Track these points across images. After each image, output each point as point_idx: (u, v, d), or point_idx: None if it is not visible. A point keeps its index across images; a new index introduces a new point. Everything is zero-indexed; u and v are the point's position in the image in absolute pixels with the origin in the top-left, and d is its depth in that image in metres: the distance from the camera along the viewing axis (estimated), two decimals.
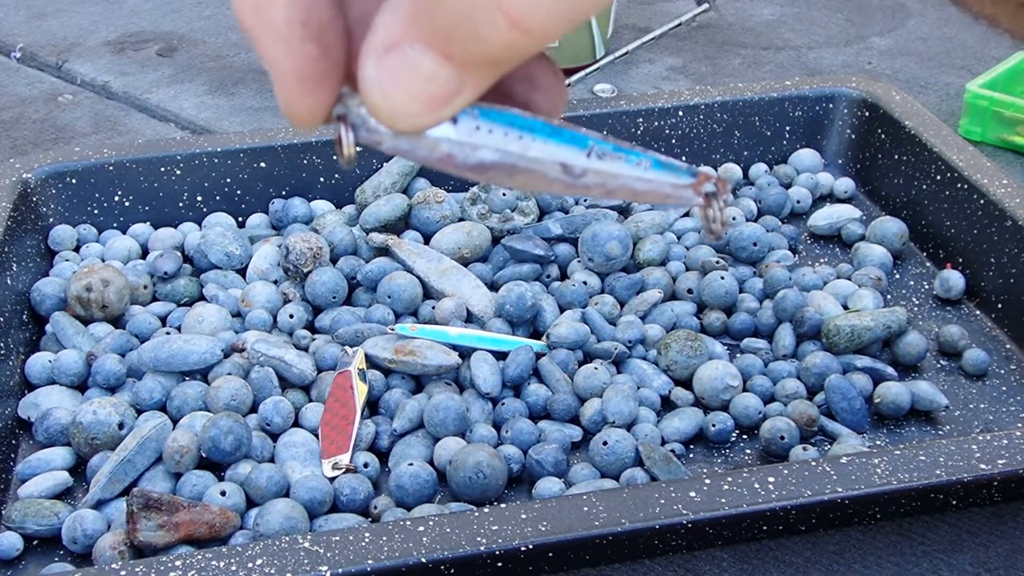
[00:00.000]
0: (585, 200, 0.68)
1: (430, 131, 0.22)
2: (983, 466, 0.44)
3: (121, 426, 0.52)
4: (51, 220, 0.66)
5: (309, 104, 0.22)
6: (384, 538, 0.41)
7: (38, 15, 1.06)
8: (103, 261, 0.64)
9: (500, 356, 0.56)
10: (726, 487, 0.43)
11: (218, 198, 0.69)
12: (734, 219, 0.68)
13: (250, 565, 0.39)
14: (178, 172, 0.68)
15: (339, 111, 0.23)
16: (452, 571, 0.40)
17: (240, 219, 0.68)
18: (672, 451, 0.52)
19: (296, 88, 0.22)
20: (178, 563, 0.40)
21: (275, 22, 0.21)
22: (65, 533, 0.47)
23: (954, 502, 0.44)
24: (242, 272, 0.64)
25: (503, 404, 0.54)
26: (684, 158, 0.74)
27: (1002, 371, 0.58)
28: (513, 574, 0.41)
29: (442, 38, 0.20)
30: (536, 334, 0.59)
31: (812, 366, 0.55)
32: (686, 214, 0.69)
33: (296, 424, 0.54)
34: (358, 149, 0.23)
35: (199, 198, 0.68)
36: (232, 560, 0.40)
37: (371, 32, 0.21)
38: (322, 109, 0.23)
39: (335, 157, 0.67)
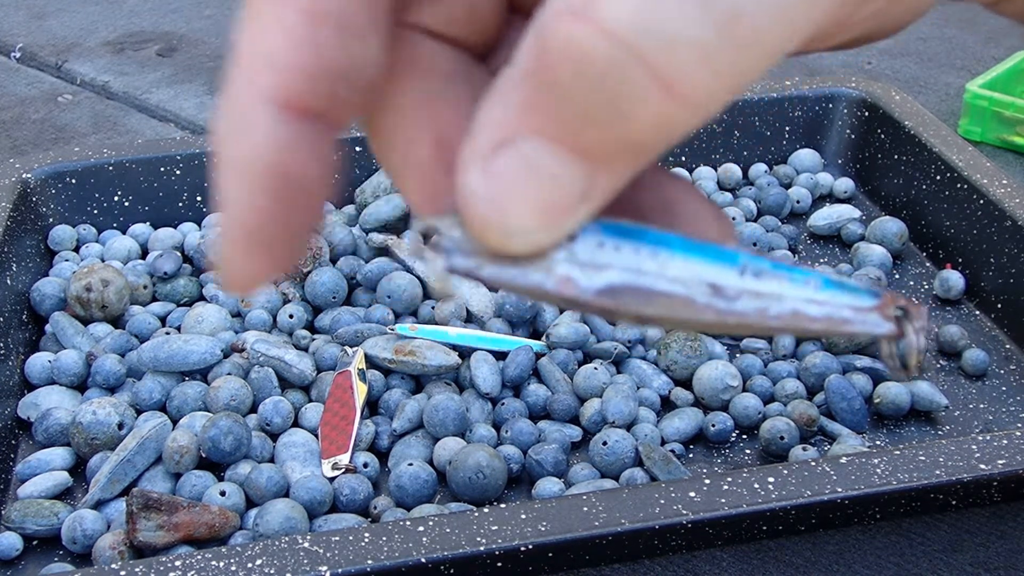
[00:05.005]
0: None
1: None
2: (983, 466, 0.44)
3: (121, 426, 0.52)
4: (51, 220, 0.66)
5: (246, 268, 0.18)
6: (384, 538, 0.41)
7: (38, 15, 1.06)
8: (103, 261, 0.64)
9: (500, 356, 0.56)
10: (726, 487, 0.43)
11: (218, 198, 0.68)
12: (733, 219, 0.68)
13: (250, 565, 0.39)
14: (178, 172, 0.68)
15: (423, 227, 0.18)
16: (452, 571, 0.40)
17: None
18: (672, 451, 0.52)
19: (241, 247, 0.18)
20: (178, 563, 0.40)
21: (248, 160, 0.17)
22: (65, 533, 0.47)
23: (954, 502, 0.44)
24: None
25: (503, 404, 0.54)
26: (684, 158, 0.74)
27: (1002, 371, 0.58)
28: (513, 574, 0.41)
29: (571, 124, 0.16)
30: (536, 334, 0.59)
31: (812, 366, 0.55)
32: None
33: (296, 424, 0.54)
34: (453, 278, 0.18)
35: (199, 198, 0.68)
36: (232, 560, 0.40)
37: (474, 130, 0.17)
38: (258, 278, 0.18)
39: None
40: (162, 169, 0.67)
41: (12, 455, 0.53)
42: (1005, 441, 0.45)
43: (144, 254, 0.66)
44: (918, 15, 0.20)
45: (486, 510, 0.42)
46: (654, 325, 0.19)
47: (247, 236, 0.18)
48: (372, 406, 0.55)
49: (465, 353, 0.56)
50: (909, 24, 0.20)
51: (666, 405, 0.56)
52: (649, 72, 0.15)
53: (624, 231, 0.18)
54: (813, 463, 0.44)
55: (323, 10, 0.17)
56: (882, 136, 0.72)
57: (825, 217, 0.69)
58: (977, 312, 0.62)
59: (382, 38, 0.18)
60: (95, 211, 0.67)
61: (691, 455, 0.53)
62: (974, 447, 0.45)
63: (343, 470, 0.50)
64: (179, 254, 0.63)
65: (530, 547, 0.41)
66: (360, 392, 0.53)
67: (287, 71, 0.17)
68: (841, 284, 0.20)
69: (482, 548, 0.40)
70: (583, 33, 0.15)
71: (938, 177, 0.66)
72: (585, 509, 0.42)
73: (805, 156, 0.74)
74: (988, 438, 0.45)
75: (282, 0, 0.17)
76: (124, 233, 0.67)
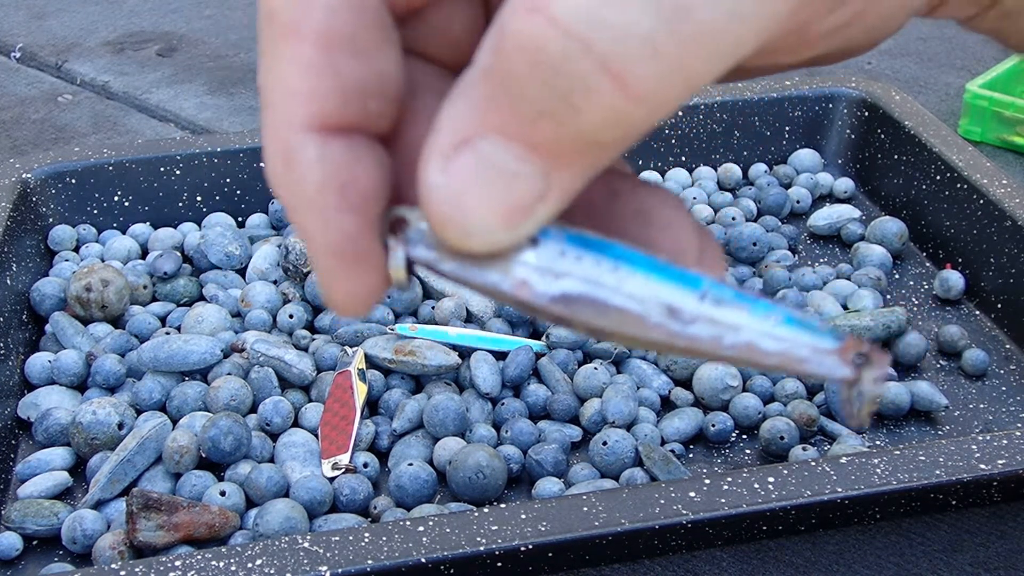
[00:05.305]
0: None
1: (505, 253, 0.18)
2: (983, 466, 0.44)
3: (121, 426, 0.52)
4: (51, 220, 0.66)
5: (348, 288, 0.19)
6: (384, 538, 0.41)
7: (38, 15, 1.06)
8: (103, 261, 0.64)
9: (500, 356, 0.56)
10: (726, 487, 0.43)
11: (218, 198, 0.69)
12: (733, 219, 0.68)
13: (250, 565, 0.39)
14: (178, 172, 0.68)
15: (393, 216, 0.19)
16: (452, 571, 0.40)
17: (240, 219, 0.68)
18: (672, 451, 0.52)
19: (334, 269, 0.18)
20: (178, 563, 0.40)
21: (306, 187, 0.18)
22: (65, 533, 0.47)
23: (954, 502, 0.44)
24: (242, 272, 0.64)
25: (503, 404, 0.54)
26: (684, 158, 0.74)
27: (1002, 371, 0.58)
28: (513, 574, 0.41)
29: (526, 120, 0.16)
30: (536, 334, 0.59)
31: None
32: None
33: (296, 424, 0.54)
34: (418, 273, 0.19)
35: (199, 198, 0.68)
36: (232, 560, 0.40)
37: (434, 129, 0.17)
38: (366, 293, 0.19)
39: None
40: (162, 169, 0.67)
41: (12, 455, 0.53)
42: (1005, 441, 0.45)
43: (144, 254, 0.66)
44: (887, 34, 0.20)
45: (486, 510, 0.42)
46: (606, 339, 0.19)
47: (341, 257, 0.18)
48: (372, 406, 0.55)
49: (465, 353, 0.56)
50: (881, 42, 0.20)
51: (666, 405, 0.56)
52: (599, 64, 0.15)
53: (588, 243, 0.18)
54: (813, 463, 0.44)
55: (334, 38, 0.18)
56: (882, 136, 0.72)
57: (825, 217, 0.69)
58: (977, 312, 0.62)
59: (396, 50, 0.19)
60: (95, 211, 0.67)
61: (691, 455, 0.53)
62: (974, 447, 0.45)
63: (343, 470, 0.50)
64: (179, 254, 0.63)
65: (530, 547, 0.41)
66: (360, 392, 0.53)
67: (317, 99, 0.18)
68: (803, 323, 0.19)
69: (482, 548, 0.40)
70: (537, 26, 0.15)
71: (938, 177, 0.66)
72: (585, 509, 0.42)
73: (805, 156, 0.74)
74: (988, 438, 0.45)
75: (293, 37, 0.18)
76: (124, 233, 0.67)
